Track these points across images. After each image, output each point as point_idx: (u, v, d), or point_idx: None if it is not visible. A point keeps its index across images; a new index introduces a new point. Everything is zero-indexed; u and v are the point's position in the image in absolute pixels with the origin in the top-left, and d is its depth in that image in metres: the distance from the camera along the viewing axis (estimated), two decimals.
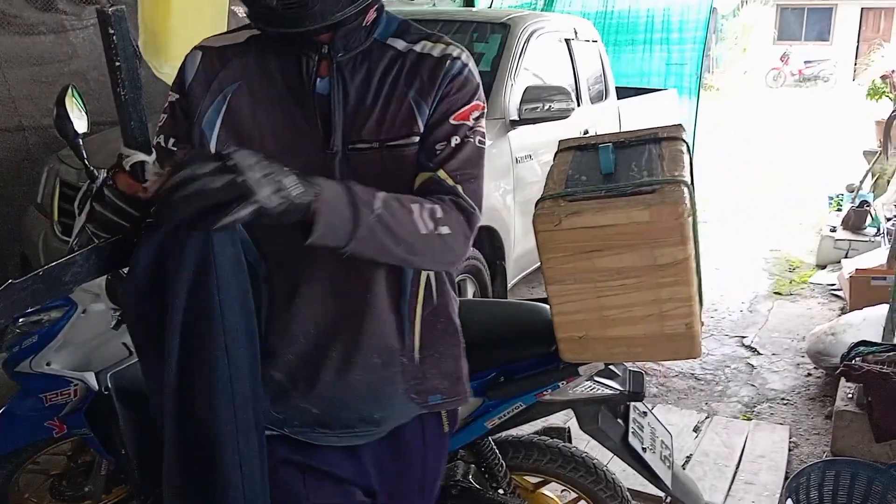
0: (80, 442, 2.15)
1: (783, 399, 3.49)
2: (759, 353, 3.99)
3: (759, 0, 21.56)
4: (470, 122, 1.18)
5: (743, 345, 4.11)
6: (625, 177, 1.43)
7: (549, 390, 1.68)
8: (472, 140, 1.18)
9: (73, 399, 1.94)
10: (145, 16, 2.18)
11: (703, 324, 1.49)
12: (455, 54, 1.20)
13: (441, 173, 1.15)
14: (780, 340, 4.14)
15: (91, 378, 1.93)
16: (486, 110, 1.22)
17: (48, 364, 1.92)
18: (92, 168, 2.07)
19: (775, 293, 4.95)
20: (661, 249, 1.34)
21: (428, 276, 1.26)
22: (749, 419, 3.28)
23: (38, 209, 3.31)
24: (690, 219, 1.34)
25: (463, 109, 1.18)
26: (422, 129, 1.17)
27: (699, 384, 3.63)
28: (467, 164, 1.17)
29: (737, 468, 2.86)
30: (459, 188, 1.15)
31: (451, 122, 1.17)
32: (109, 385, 1.92)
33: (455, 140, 1.16)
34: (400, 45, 1.22)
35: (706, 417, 3.25)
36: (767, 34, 22.28)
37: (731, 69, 20.04)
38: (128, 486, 2.16)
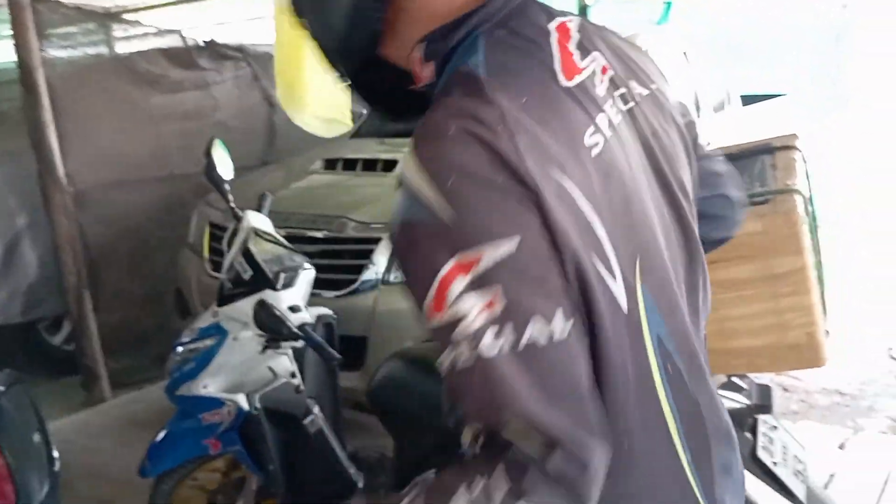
0: (233, 459, 2.34)
1: None
2: None
3: None
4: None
5: (891, 357, 3.85)
6: None
7: None
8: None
9: (227, 419, 2.13)
10: (280, 68, 2.40)
11: (828, 333, 1.46)
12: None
13: None
14: None
15: (242, 399, 2.12)
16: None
17: (205, 387, 2.13)
18: (237, 209, 2.28)
19: None
20: (778, 259, 1.34)
21: None
22: None
23: (191, 249, 3.64)
24: (806, 227, 1.33)
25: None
26: None
27: (844, 399, 3.43)
28: None
29: (884, 487, 2.70)
30: None
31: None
32: (258, 405, 2.10)
33: None
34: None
35: (852, 433, 3.08)
36: None
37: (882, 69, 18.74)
38: (276, 498, 2.33)
